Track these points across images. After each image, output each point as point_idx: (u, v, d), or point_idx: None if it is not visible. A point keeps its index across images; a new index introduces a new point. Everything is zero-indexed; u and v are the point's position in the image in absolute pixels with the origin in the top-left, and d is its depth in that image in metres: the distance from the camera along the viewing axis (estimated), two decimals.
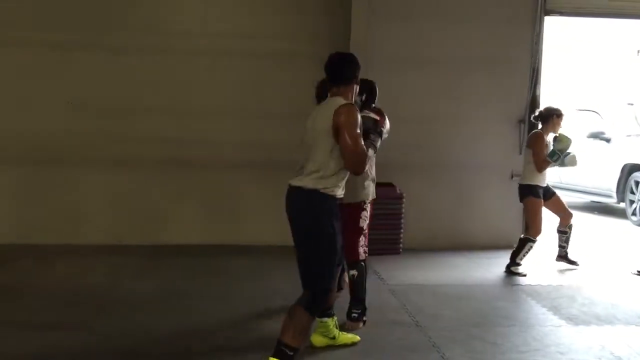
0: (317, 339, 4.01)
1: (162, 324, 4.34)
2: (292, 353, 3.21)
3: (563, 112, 6.07)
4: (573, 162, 5.99)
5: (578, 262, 6.31)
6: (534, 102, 7.02)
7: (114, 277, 5.54)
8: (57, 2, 6.56)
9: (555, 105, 6.16)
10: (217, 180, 6.71)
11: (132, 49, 6.57)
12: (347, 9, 6.67)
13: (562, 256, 6.34)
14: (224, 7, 6.81)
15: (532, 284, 5.72)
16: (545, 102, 7.09)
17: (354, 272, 4.28)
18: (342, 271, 4.20)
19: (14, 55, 6.47)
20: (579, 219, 9.16)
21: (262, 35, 6.72)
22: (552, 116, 5.96)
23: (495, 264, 6.31)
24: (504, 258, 6.25)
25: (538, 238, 5.98)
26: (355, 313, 4.33)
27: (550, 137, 5.98)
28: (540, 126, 6.11)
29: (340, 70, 3.51)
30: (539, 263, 6.51)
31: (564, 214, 6.24)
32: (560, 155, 5.80)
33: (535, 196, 5.91)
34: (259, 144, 6.63)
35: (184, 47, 6.63)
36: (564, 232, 6.29)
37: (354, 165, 3.34)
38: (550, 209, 6.22)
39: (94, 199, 6.66)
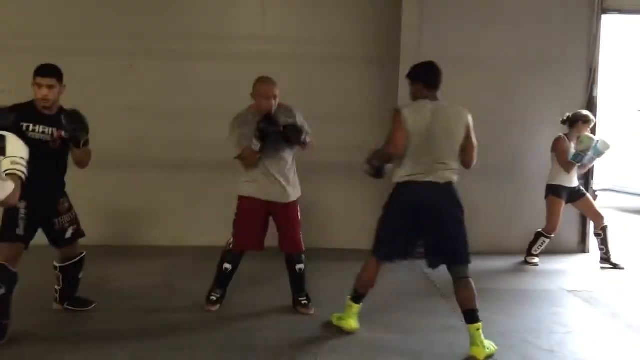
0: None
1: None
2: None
3: (591, 118, 6.31)
4: (606, 146, 6.15)
5: (622, 266, 6.32)
6: (591, 102, 6.84)
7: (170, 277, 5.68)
8: (117, 11, 6.76)
9: (585, 112, 6.41)
10: None
11: (187, 54, 6.72)
12: (397, 11, 6.65)
13: (605, 259, 6.39)
14: (278, 13, 6.90)
15: (589, 289, 5.58)
16: (603, 102, 6.91)
17: (301, 265, 4.66)
18: None
19: (76, 64, 6.67)
20: (631, 221, 8.90)
21: (315, 40, 6.78)
22: (578, 121, 6.26)
23: (550, 271, 6.18)
24: (559, 264, 6.22)
25: (553, 235, 6.35)
26: (306, 300, 4.68)
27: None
28: (567, 129, 6.35)
29: (440, 77, 4.08)
30: (594, 269, 6.36)
31: (594, 217, 6.43)
32: (583, 155, 6.09)
33: (556, 196, 6.27)
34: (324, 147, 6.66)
35: (237, 52, 6.72)
36: (599, 234, 6.40)
37: (473, 162, 4.04)
38: (580, 211, 6.54)
39: (159, 201, 6.83)
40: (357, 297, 4.26)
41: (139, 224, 6.89)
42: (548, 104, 6.80)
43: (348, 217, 6.88)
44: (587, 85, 6.86)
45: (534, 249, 6.38)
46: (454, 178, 3.96)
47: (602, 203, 10.07)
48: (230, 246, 4.65)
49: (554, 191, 6.30)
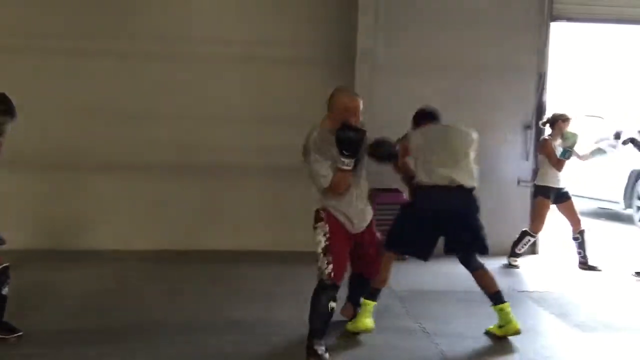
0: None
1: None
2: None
3: (569, 116, 6.44)
4: (574, 137, 6.24)
5: (599, 267, 6.46)
6: (540, 108, 7.00)
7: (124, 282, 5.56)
8: (69, 10, 6.60)
9: (560, 111, 6.53)
10: (220, 187, 6.73)
11: (141, 55, 6.60)
12: (354, 14, 6.68)
13: (582, 263, 6.51)
14: (235, 14, 6.84)
15: (540, 290, 5.71)
16: (552, 108, 7.09)
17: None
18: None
19: (25, 62, 6.49)
20: (586, 225, 9.17)
21: (270, 42, 6.75)
22: (557, 121, 6.38)
23: (501, 271, 6.30)
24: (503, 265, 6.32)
25: (538, 235, 6.53)
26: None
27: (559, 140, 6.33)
28: (548, 132, 6.47)
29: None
30: (546, 270, 6.52)
31: (572, 220, 6.52)
32: (570, 151, 6.24)
33: (543, 196, 6.38)
34: (269, 150, 6.64)
35: (194, 54, 6.66)
36: (576, 238, 6.52)
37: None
38: (562, 213, 6.59)
39: (105, 205, 6.69)
40: (374, 295, 4.32)
41: (83, 228, 6.72)
42: (500, 110, 6.93)
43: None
44: (537, 91, 7.03)
45: (518, 247, 6.46)
46: None
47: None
48: (329, 279, 3.82)
49: (541, 192, 6.40)
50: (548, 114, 6.65)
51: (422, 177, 4.31)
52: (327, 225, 3.86)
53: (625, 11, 7.21)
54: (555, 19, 7.05)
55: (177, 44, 6.65)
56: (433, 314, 4.86)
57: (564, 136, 6.26)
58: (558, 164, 6.28)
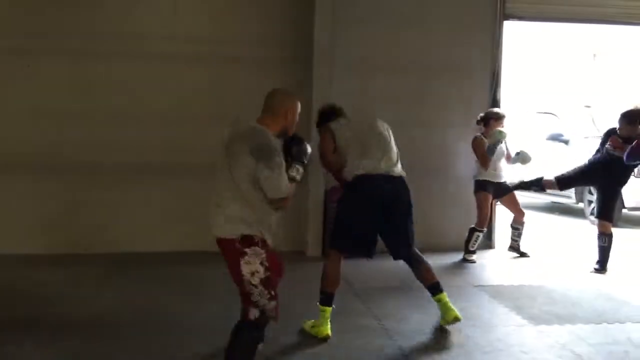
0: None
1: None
2: None
3: (502, 114, 6.67)
4: (527, 158, 6.67)
5: (528, 254, 6.86)
6: (494, 105, 7.11)
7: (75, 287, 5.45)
8: (19, 7, 6.44)
9: (495, 109, 6.80)
10: (179, 186, 6.64)
11: (97, 54, 6.48)
12: (311, 12, 6.68)
13: (514, 248, 6.93)
14: (191, 12, 6.77)
15: (494, 284, 5.82)
16: (505, 105, 7.23)
17: None
18: None
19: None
20: (539, 219, 9.38)
21: (227, 40, 6.70)
22: (490, 119, 6.59)
23: (456, 266, 6.41)
24: (459, 260, 6.48)
25: (485, 229, 6.67)
26: None
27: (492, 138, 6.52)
28: (482, 129, 6.66)
29: None
30: (500, 264, 6.65)
31: (518, 212, 6.85)
32: (494, 148, 6.43)
33: (483, 190, 6.57)
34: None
35: (148, 51, 6.56)
36: (517, 228, 6.90)
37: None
38: (505, 206, 6.92)
39: (53, 207, 6.53)
40: (329, 299, 4.30)
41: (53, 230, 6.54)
42: (455, 107, 7.03)
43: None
44: (490, 88, 7.16)
45: (470, 245, 6.59)
46: None
47: None
48: (274, 317, 3.31)
49: (480, 186, 6.57)
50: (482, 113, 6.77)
51: (356, 169, 4.28)
52: (263, 251, 3.26)
53: (576, 10, 7.39)
54: (507, 17, 7.18)
55: (130, 42, 6.54)
56: (390, 310, 4.90)
57: (490, 134, 6.49)
58: (483, 160, 6.46)
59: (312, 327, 4.31)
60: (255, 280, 3.19)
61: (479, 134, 6.62)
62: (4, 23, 6.41)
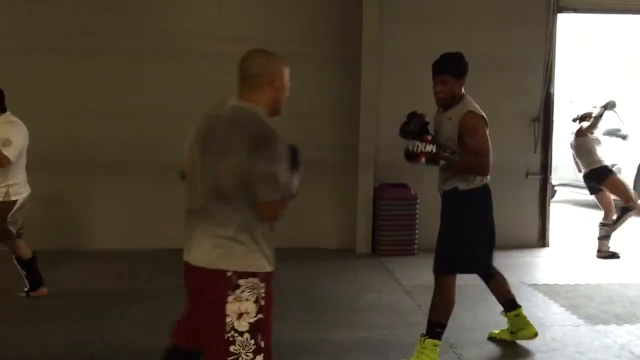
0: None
1: None
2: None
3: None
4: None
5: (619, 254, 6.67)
6: (548, 100, 6.97)
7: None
8: (66, 11, 6.61)
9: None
10: None
11: (146, 54, 6.62)
12: (358, 10, 6.66)
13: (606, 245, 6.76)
14: (236, 11, 6.84)
15: (549, 283, 5.68)
16: (560, 100, 7.06)
17: None
18: None
19: (27, 64, 6.50)
20: (595, 217, 9.12)
21: (272, 38, 6.70)
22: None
23: (510, 265, 6.27)
24: (519, 258, 6.26)
25: (631, 203, 6.60)
26: None
27: None
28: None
29: None
30: (554, 263, 6.49)
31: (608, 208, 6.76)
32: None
33: (610, 174, 6.62)
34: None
35: (192, 51, 6.64)
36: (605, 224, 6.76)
37: None
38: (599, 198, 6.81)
39: (104, 204, 6.71)
40: (442, 332, 3.77)
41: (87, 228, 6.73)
42: (508, 103, 6.87)
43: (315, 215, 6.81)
44: (543, 83, 6.99)
45: (618, 224, 6.64)
46: None
47: (559, 197, 10.30)
48: None
49: (608, 171, 6.63)
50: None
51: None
52: (264, 285, 2.37)
53: (630, 0, 7.17)
54: (561, 10, 7.01)
55: (176, 41, 6.63)
56: None
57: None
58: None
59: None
60: (242, 326, 2.29)
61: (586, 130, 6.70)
62: (53, 23, 6.57)
